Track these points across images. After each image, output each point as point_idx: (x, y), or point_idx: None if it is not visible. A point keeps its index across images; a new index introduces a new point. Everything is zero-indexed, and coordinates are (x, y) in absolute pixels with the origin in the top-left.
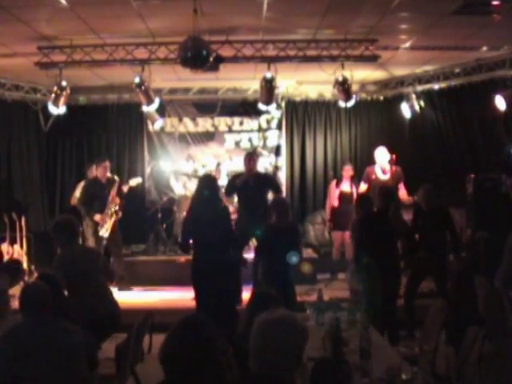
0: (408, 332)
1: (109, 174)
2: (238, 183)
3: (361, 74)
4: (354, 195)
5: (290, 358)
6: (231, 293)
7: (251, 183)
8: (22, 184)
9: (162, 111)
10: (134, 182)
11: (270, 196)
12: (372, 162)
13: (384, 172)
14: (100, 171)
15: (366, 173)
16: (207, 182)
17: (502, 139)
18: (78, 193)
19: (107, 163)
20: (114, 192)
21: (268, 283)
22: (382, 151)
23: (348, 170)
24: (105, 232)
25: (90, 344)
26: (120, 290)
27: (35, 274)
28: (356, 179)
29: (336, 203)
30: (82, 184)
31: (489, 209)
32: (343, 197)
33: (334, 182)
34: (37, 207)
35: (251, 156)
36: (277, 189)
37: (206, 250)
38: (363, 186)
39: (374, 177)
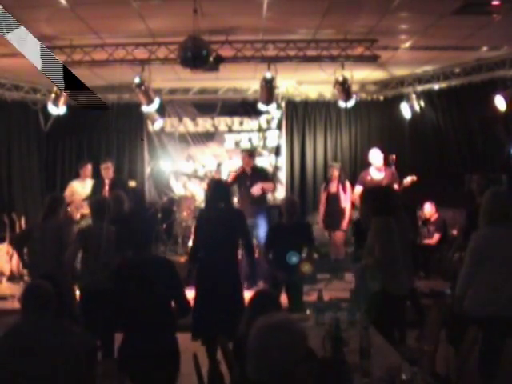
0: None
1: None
2: (237, 173)
3: (361, 74)
4: (341, 194)
5: (287, 363)
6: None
7: (249, 174)
8: (22, 184)
9: (161, 111)
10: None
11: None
12: (369, 163)
13: (379, 170)
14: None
15: (361, 176)
16: (218, 187)
17: (502, 139)
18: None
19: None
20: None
21: (276, 281)
22: (375, 153)
23: (333, 170)
24: None
25: (89, 344)
26: None
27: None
28: (343, 178)
29: (324, 205)
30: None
31: None
32: (330, 197)
33: (323, 186)
34: (37, 207)
35: (250, 152)
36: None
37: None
38: (358, 188)
39: (369, 178)
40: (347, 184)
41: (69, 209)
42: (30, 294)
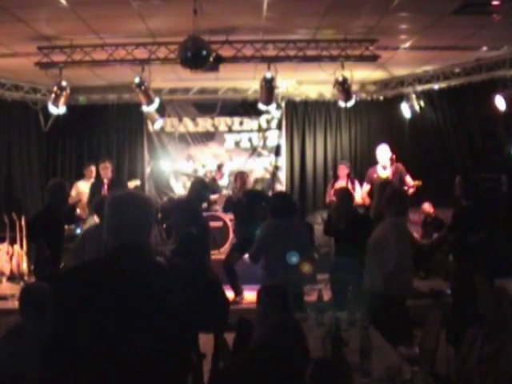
0: None
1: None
2: (232, 202)
3: (361, 74)
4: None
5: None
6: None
7: (244, 201)
8: (22, 184)
9: (161, 111)
10: (133, 183)
11: None
12: (372, 161)
13: (384, 168)
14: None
15: (368, 174)
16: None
17: (501, 139)
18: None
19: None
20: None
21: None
22: (383, 149)
23: (343, 169)
24: None
25: None
26: None
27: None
28: (352, 176)
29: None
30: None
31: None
32: None
33: (331, 183)
34: (37, 207)
35: (241, 175)
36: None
37: None
38: (366, 187)
39: (375, 176)
40: (356, 183)
41: (77, 209)
42: (26, 296)
